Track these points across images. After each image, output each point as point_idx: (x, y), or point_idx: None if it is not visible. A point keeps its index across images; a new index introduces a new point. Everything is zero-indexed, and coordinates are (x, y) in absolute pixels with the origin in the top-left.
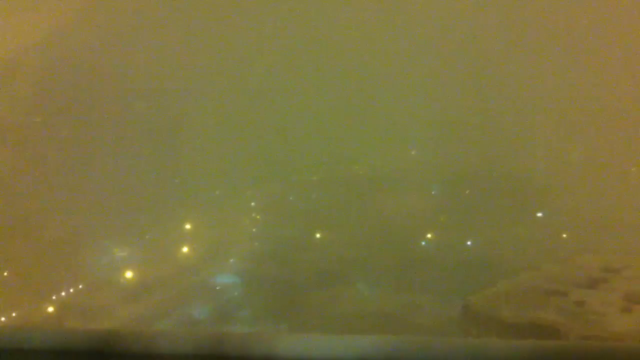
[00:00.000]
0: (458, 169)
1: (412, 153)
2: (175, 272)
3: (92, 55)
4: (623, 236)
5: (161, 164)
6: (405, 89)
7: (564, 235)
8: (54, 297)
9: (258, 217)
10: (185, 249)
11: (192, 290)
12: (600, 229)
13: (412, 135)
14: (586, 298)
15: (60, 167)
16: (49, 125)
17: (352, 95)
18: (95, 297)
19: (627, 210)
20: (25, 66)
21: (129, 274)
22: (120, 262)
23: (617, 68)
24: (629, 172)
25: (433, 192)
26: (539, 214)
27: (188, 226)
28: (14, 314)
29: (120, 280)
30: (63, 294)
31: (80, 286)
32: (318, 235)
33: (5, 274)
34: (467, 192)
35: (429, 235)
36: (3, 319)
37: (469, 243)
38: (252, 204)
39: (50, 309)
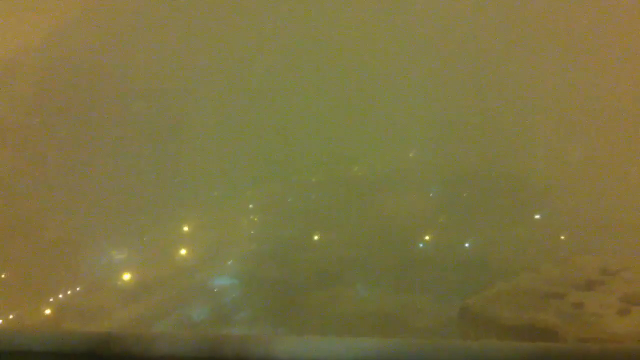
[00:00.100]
0: (457, 170)
1: (412, 154)
2: (174, 273)
3: (92, 55)
4: (621, 237)
5: (161, 164)
6: (405, 89)
7: (562, 237)
8: (51, 299)
9: (257, 217)
10: (184, 250)
11: (191, 292)
12: (599, 230)
13: (412, 136)
14: (584, 300)
15: (60, 167)
16: (49, 125)
17: (352, 96)
18: (93, 299)
19: (624, 212)
20: (25, 66)
21: (128, 276)
22: (119, 264)
23: (617, 68)
24: (628, 172)
25: (431, 195)
26: (538, 215)
27: (187, 227)
28: (11, 316)
29: (119, 281)
30: (61, 295)
31: (78, 288)
32: (317, 236)
33: (3, 275)
34: (465, 194)
35: (427, 237)
36: (0, 321)
37: (466, 245)
38: (251, 205)
39: (48, 311)
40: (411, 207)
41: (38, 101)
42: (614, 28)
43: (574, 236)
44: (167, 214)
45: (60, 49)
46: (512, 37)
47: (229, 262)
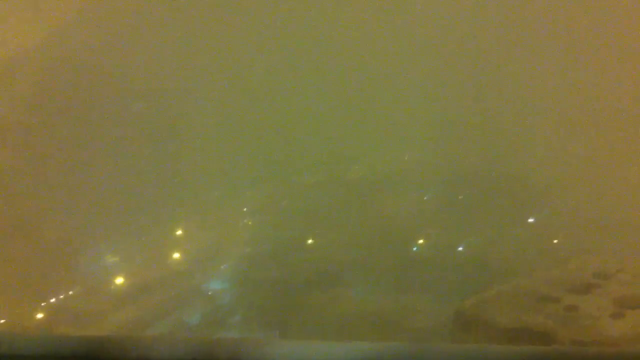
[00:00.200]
0: (458, 170)
1: (412, 154)
2: (172, 274)
3: (92, 55)
4: (619, 238)
5: (160, 164)
6: (405, 89)
7: (557, 240)
8: (44, 303)
9: (256, 218)
10: (182, 252)
11: (189, 294)
12: (596, 231)
13: (412, 136)
14: (579, 303)
15: (61, 167)
16: (49, 125)
17: (352, 96)
18: (87, 302)
19: (623, 212)
20: (25, 66)
21: (125, 278)
22: (117, 265)
23: (617, 68)
24: (628, 173)
25: (431, 195)
26: (532, 219)
27: (186, 228)
28: (2, 320)
29: (116, 283)
30: (53, 300)
31: (71, 292)
32: (316, 237)
33: None
34: (465, 194)
35: (427, 238)
36: None
37: (466, 245)
38: (250, 205)
39: (41, 315)
40: (411, 208)
41: (38, 101)
42: (614, 28)
43: (571, 238)
44: (166, 215)
45: (60, 49)
46: (512, 37)
47: (227, 263)
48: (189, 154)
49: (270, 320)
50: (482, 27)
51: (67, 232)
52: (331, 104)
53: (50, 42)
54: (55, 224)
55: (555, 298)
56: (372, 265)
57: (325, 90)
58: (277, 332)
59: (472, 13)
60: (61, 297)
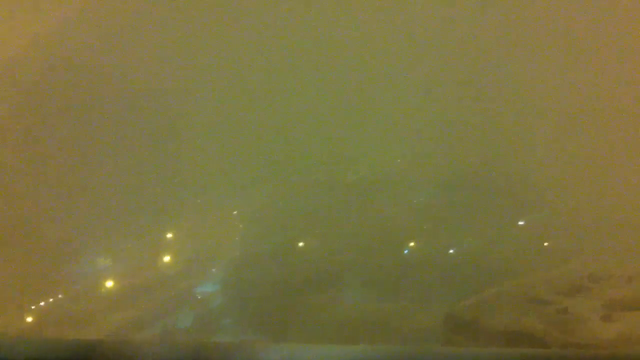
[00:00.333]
0: (458, 171)
1: (411, 155)
2: (172, 275)
3: (92, 55)
4: (613, 241)
5: (160, 164)
6: (405, 89)
7: (547, 243)
8: (33, 307)
9: (253, 219)
10: (181, 253)
11: (186, 296)
12: (587, 235)
13: (411, 137)
14: (569, 305)
15: (61, 167)
16: (49, 125)
17: (352, 96)
18: (77, 306)
19: (621, 214)
20: (25, 66)
21: (113, 282)
22: (116, 266)
23: (617, 68)
24: (627, 173)
25: (425, 198)
26: (534, 218)
27: (185, 229)
28: None
29: (104, 288)
30: (43, 303)
31: (60, 295)
32: (315, 238)
33: None
34: (465, 195)
35: (427, 239)
36: None
37: (459, 249)
38: (244, 209)
39: (30, 319)
40: (410, 209)
41: (38, 101)
42: (614, 28)
43: (566, 239)
44: (165, 215)
45: (60, 49)
46: (512, 37)
47: (224, 264)
48: (188, 154)
49: (269, 320)
50: (482, 27)
51: (50, 238)
52: (331, 104)
53: (50, 42)
54: (42, 229)
55: (547, 300)
56: (371, 266)
57: (325, 90)
58: (274, 334)
59: (472, 13)
60: (50, 300)
